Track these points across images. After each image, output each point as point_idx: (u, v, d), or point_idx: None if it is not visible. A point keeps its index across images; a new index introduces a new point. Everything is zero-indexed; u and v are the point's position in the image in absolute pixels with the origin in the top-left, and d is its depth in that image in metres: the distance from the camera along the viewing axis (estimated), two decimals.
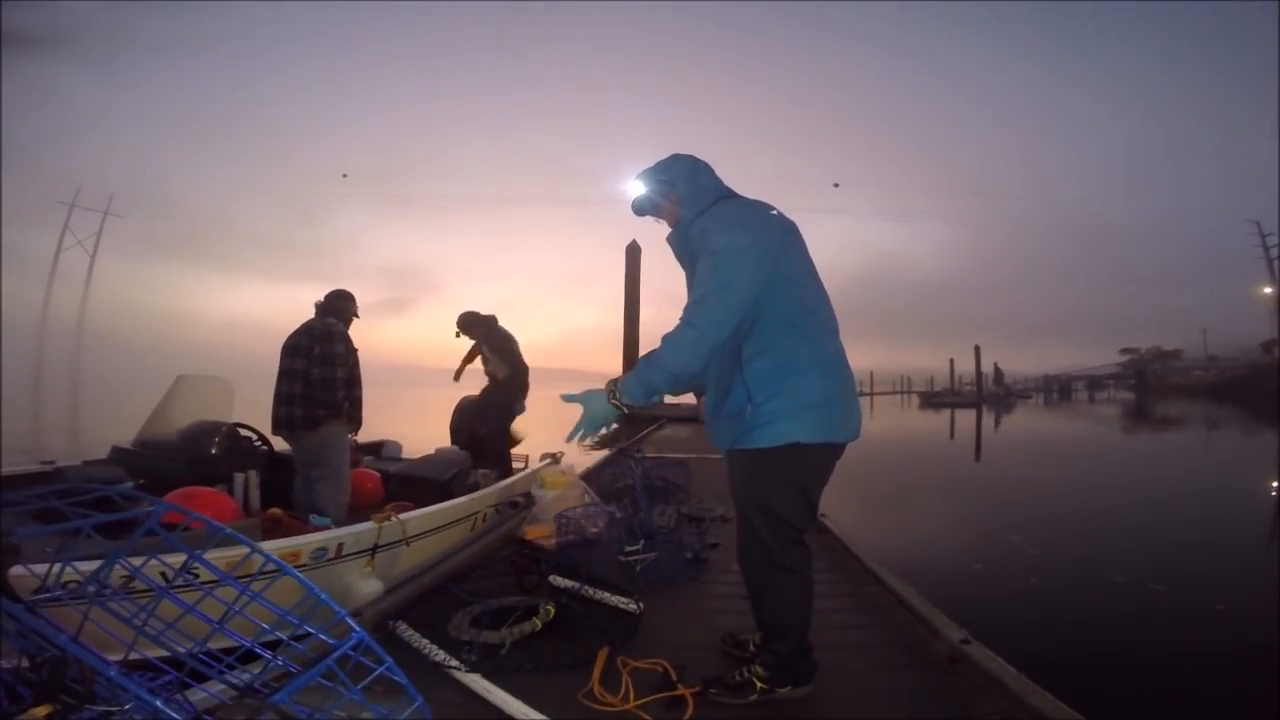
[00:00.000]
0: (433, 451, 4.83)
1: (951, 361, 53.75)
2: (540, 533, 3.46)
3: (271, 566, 1.06)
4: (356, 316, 3.87)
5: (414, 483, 4.11)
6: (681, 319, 1.57)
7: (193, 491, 2.76)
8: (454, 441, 5.22)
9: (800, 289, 1.67)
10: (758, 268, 1.57)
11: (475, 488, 4.15)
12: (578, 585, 2.49)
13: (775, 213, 1.72)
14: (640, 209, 1.86)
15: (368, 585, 2.54)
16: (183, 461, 3.38)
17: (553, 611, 2.23)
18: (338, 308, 3.78)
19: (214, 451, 3.57)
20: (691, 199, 1.76)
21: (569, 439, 1.62)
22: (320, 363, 3.51)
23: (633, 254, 13.21)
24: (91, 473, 3.17)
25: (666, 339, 1.55)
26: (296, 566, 2.48)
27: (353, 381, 3.70)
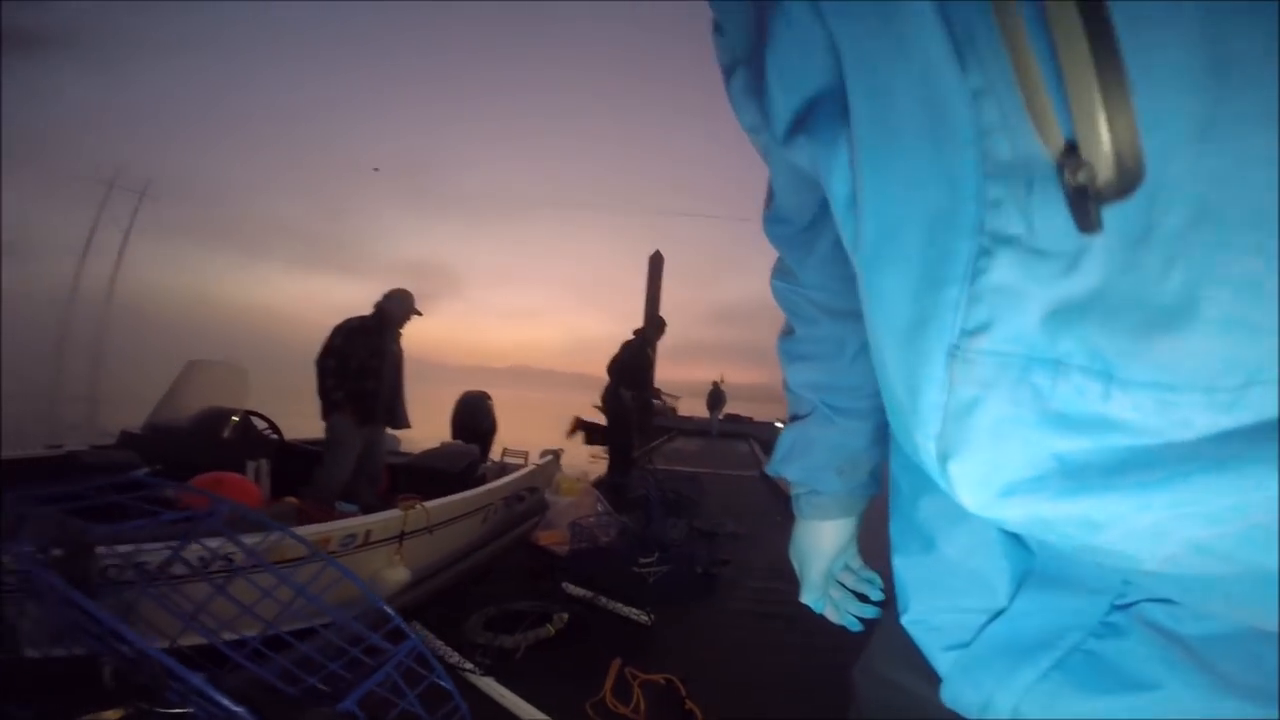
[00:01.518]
0: (439, 445, 4.88)
1: None
2: (553, 539, 3.48)
3: (304, 556, 1.08)
4: (416, 314, 3.94)
5: (425, 474, 4.15)
6: None
7: (220, 477, 2.80)
8: (456, 435, 5.22)
9: None
10: None
11: (483, 480, 4.18)
12: (592, 595, 2.50)
13: None
14: None
15: (396, 573, 2.57)
16: (193, 447, 3.42)
17: (565, 619, 2.24)
18: (380, 304, 3.87)
19: (225, 437, 3.63)
20: None
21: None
22: (320, 353, 3.65)
23: (655, 264, 13.23)
24: (101, 457, 3.12)
25: None
26: (328, 552, 2.53)
27: (363, 373, 3.70)
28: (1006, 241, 0.25)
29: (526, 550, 3.37)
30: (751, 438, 14.52)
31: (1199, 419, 0.23)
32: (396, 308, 3.91)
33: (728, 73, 0.47)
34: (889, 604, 0.56)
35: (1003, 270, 0.25)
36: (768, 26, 0.37)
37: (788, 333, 0.58)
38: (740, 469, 8.59)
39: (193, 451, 3.35)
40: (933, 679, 0.42)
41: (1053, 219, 0.24)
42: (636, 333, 6.14)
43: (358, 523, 2.68)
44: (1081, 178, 0.21)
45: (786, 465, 0.60)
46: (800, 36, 0.35)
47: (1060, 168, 0.22)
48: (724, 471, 7.86)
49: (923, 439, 0.30)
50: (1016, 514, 0.28)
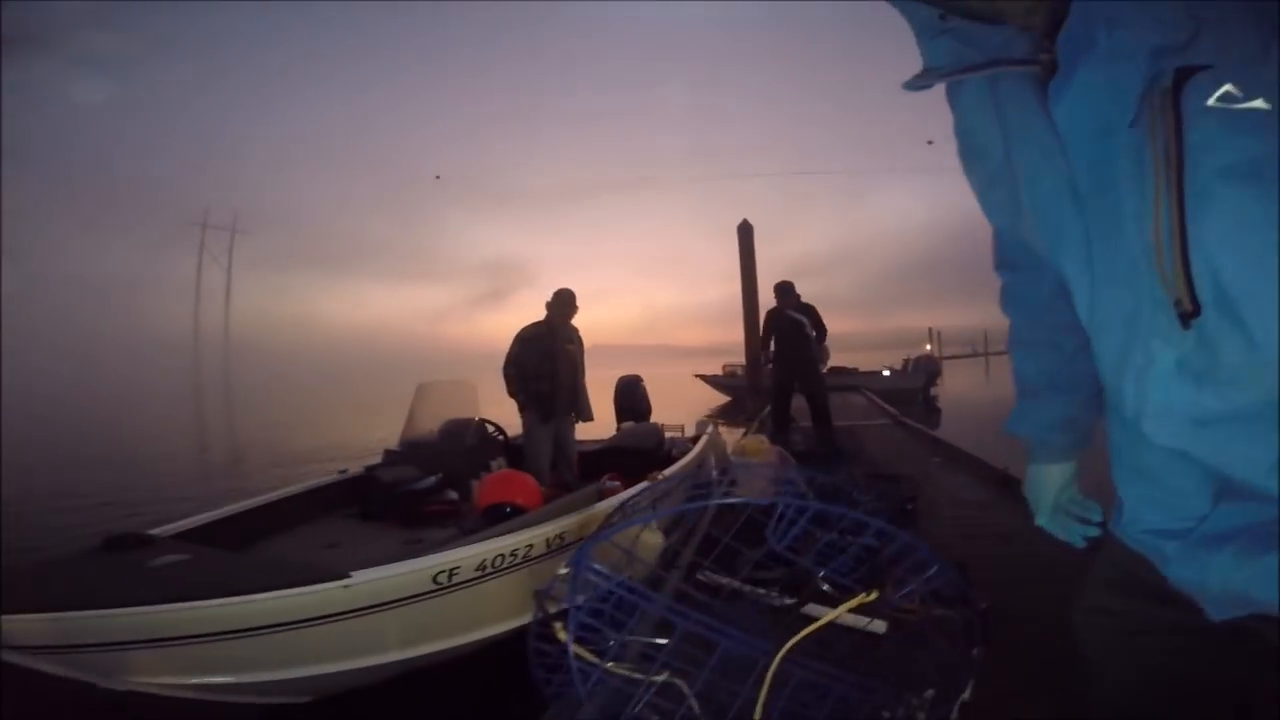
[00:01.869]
0: (623, 427, 5.43)
1: None
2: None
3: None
4: (574, 310, 4.42)
5: (624, 454, 4.64)
6: None
7: (509, 475, 3.37)
8: (622, 417, 5.71)
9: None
10: None
11: (669, 455, 4.64)
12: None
13: None
14: None
15: (655, 536, 3.10)
16: (447, 456, 3.93)
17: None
18: (548, 306, 4.40)
19: (470, 444, 4.20)
20: None
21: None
22: (504, 362, 4.25)
23: (744, 233, 13.39)
24: (399, 474, 3.64)
25: None
26: (602, 530, 3.02)
27: (539, 376, 4.20)
28: (1159, 330, 0.52)
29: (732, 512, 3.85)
30: (863, 389, 14.46)
31: (1242, 395, 0.49)
32: (557, 308, 4.37)
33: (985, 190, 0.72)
34: (1096, 549, 0.78)
35: (1158, 340, 0.52)
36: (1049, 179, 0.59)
37: (1018, 340, 0.84)
38: (868, 419, 8.84)
39: (447, 460, 3.88)
40: (1149, 597, 0.65)
41: (1174, 321, 0.50)
42: (776, 304, 6.47)
43: (623, 498, 3.19)
44: (1180, 310, 0.49)
45: (1021, 425, 0.85)
46: (1064, 210, 0.58)
47: (1177, 303, 0.49)
48: (855, 423, 8.13)
49: (1128, 410, 0.57)
50: (1181, 442, 0.54)
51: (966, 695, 1.32)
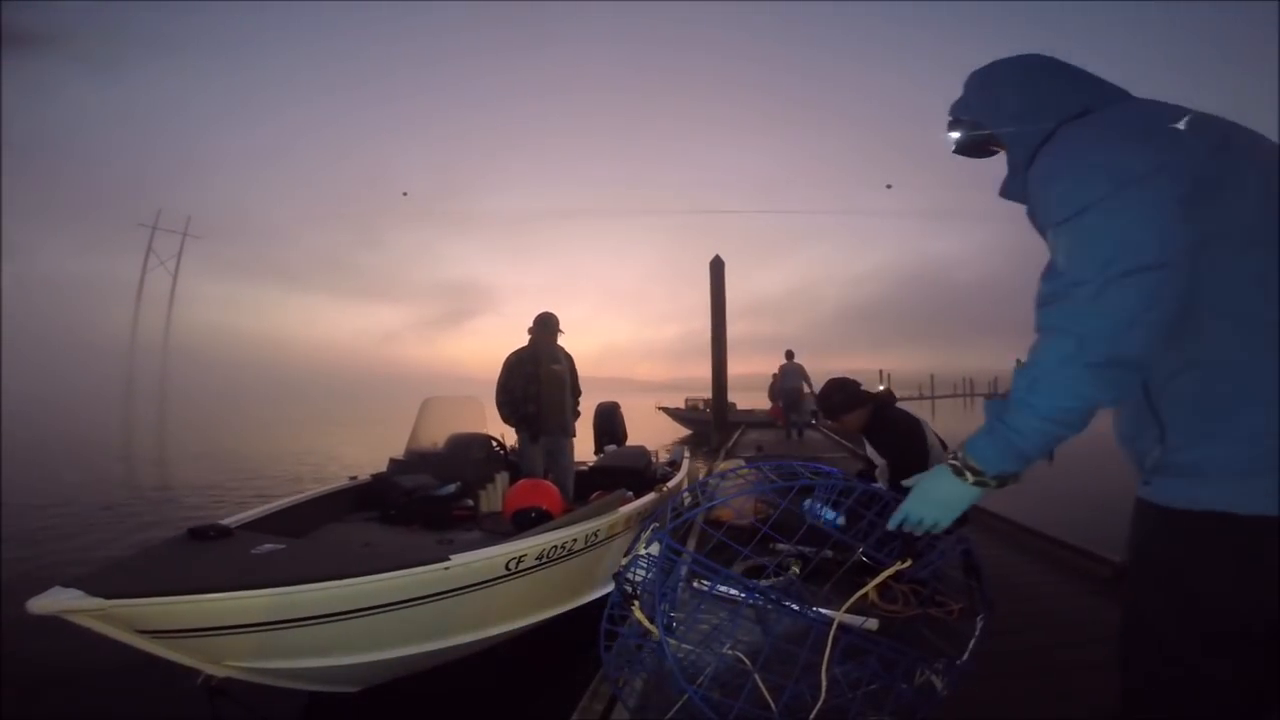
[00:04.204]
0: (609, 449, 5.67)
1: (1017, 361, 52.50)
2: (727, 515, 4.26)
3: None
4: (556, 333, 4.64)
5: (614, 473, 4.86)
6: (1040, 324, 0.95)
7: (536, 484, 3.58)
8: (601, 441, 5.89)
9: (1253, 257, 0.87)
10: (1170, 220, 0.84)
11: (656, 475, 4.87)
12: (814, 549, 3.31)
13: (1185, 124, 0.91)
14: (961, 149, 1.15)
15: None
16: (455, 467, 4.09)
17: (800, 562, 3.08)
18: (530, 331, 4.60)
19: (477, 457, 4.39)
20: (1018, 134, 1.04)
21: (891, 526, 1.13)
22: (496, 390, 4.45)
23: (716, 269, 13.83)
24: (416, 480, 3.80)
25: (1027, 364, 0.96)
26: (625, 530, 3.31)
27: (525, 398, 4.38)
28: None
29: (714, 527, 4.15)
30: (820, 427, 14.89)
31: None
32: (540, 331, 4.59)
33: None
34: None
35: None
36: None
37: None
38: (830, 453, 9.30)
39: (456, 470, 4.04)
40: None
41: None
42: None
43: (640, 505, 3.49)
44: None
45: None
46: None
47: None
48: (821, 455, 8.55)
49: None
50: None
51: (965, 658, 1.57)
